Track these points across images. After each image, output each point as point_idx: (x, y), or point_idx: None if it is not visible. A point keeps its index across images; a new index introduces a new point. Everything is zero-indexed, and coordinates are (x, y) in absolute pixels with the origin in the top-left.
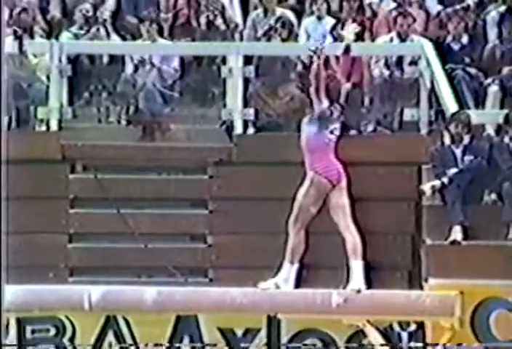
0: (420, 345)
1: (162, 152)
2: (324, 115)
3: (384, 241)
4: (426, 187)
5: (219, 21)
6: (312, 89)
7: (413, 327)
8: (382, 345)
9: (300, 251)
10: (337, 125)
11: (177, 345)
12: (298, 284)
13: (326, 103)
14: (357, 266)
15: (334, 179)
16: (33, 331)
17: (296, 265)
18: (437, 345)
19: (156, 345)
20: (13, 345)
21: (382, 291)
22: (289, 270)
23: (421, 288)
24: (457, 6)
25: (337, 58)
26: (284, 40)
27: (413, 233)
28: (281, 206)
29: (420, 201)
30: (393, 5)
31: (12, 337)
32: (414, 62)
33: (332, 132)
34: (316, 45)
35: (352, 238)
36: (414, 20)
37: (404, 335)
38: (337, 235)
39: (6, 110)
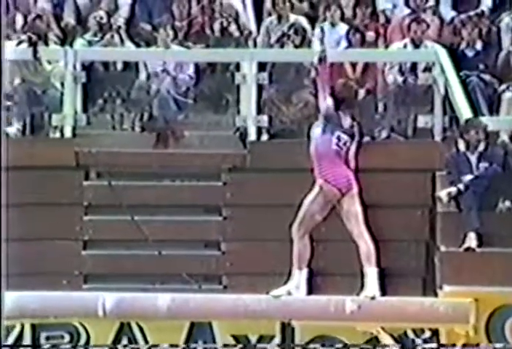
0: (434, 345)
1: (176, 159)
2: (329, 116)
3: (398, 247)
4: (442, 194)
5: (233, 28)
6: (318, 90)
7: (427, 334)
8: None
9: (306, 257)
10: (345, 133)
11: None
12: (310, 290)
13: (330, 102)
14: (371, 273)
15: (344, 188)
16: (47, 338)
17: (305, 271)
18: (453, 345)
19: (171, 345)
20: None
21: (397, 298)
22: (298, 277)
23: (435, 295)
24: (471, 13)
25: (353, 65)
26: (296, 46)
27: (427, 239)
28: (294, 213)
29: (434, 207)
30: (407, 11)
31: (26, 343)
32: (428, 69)
33: (339, 139)
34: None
35: (365, 245)
36: (428, 27)
37: (419, 342)
38: (351, 242)
39: (21, 117)
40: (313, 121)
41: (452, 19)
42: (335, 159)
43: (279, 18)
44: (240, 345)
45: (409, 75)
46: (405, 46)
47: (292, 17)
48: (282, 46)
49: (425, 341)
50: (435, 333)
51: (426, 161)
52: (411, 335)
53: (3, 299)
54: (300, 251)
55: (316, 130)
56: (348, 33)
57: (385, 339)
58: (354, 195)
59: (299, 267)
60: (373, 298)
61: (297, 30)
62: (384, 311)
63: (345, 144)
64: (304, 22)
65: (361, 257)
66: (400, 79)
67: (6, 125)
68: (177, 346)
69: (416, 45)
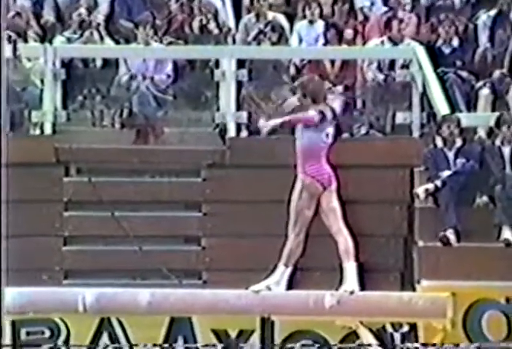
0: (417, 345)
1: (156, 155)
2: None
3: (377, 243)
4: (420, 190)
5: (212, 25)
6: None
7: (406, 328)
8: (374, 345)
9: (296, 255)
10: (332, 128)
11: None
12: (290, 287)
13: (312, 111)
14: (350, 268)
15: (326, 182)
16: (27, 333)
17: (290, 268)
18: (433, 345)
19: (154, 345)
20: (8, 346)
21: (375, 292)
22: (282, 273)
23: (413, 289)
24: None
25: (331, 62)
26: (273, 44)
27: (405, 235)
28: (274, 209)
29: (412, 203)
30: (385, 9)
31: (6, 339)
32: (405, 66)
33: (327, 136)
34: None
35: (344, 240)
36: (406, 24)
37: (397, 336)
38: (329, 237)
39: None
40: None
41: (429, 17)
42: (320, 154)
43: (257, 15)
44: (221, 345)
45: (387, 72)
46: (383, 43)
47: (270, 15)
48: (259, 44)
49: (403, 335)
50: (413, 327)
51: (404, 157)
52: (389, 329)
53: (3, 295)
54: (291, 249)
55: (306, 132)
56: (325, 30)
57: (364, 333)
58: (333, 190)
59: (285, 263)
60: (352, 293)
61: (274, 28)
62: (363, 306)
63: (330, 139)
64: (282, 19)
65: (340, 252)
66: (378, 76)
67: None
68: (157, 345)
69: (394, 42)
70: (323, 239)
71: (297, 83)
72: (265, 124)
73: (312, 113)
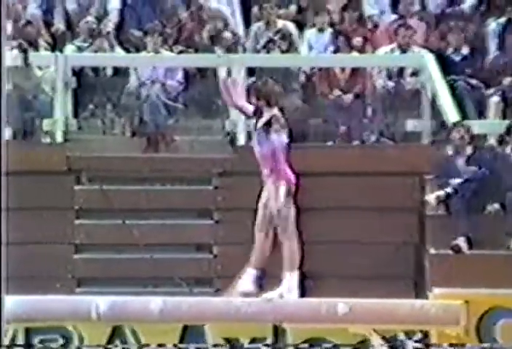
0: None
1: (167, 163)
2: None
3: (388, 250)
4: (431, 197)
5: (222, 33)
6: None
7: (419, 336)
8: None
9: (295, 259)
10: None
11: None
12: (303, 294)
13: (249, 111)
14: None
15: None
16: (41, 341)
17: (296, 273)
18: (441, 345)
19: (159, 345)
20: (7, 346)
21: (388, 300)
22: (289, 279)
23: (426, 297)
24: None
25: (341, 69)
26: (283, 52)
27: (417, 242)
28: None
29: (423, 211)
30: (394, 17)
31: (20, 347)
32: (415, 73)
33: (276, 139)
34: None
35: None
36: (415, 32)
37: (410, 344)
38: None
39: (13, 123)
40: (302, 125)
41: (438, 25)
42: (276, 159)
43: (267, 24)
44: (229, 345)
45: (397, 80)
46: (392, 51)
47: (280, 23)
48: (269, 52)
49: (416, 342)
50: (426, 335)
51: (415, 164)
52: (402, 337)
53: (3, 302)
54: (289, 254)
55: (256, 135)
56: (335, 37)
57: (377, 341)
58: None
59: (289, 269)
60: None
61: (283, 36)
62: (375, 313)
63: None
64: (291, 27)
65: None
66: (388, 84)
67: None
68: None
69: (403, 50)
70: (333, 246)
71: (252, 86)
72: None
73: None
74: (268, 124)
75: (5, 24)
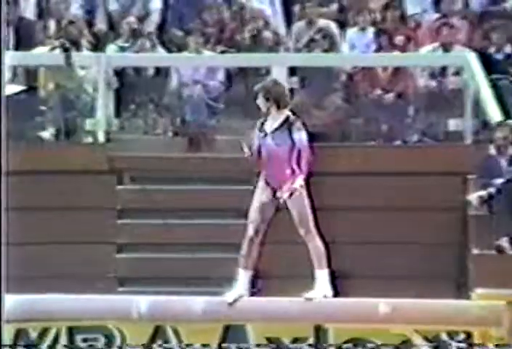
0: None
1: (208, 163)
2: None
3: (431, 251)
4: (473, 197)
5: (263, 33)
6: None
7: (461, 336)
8: None
9: (323, 258)
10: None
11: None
12: (336, 293)
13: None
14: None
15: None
16: (83, 340)
17: (326, 272)
18: (484, 345)
19: (203, 345)
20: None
21: (430, 300)
22: (321, 278)
23: (468, 297)
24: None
25: (384, 68)
26: (325, 51)
27: (460, 243)
28: (323, 216)
29: (466, 211)
30: (436, 16)
31: (63, 346)
32: (458, 73)
33: (299, 139)
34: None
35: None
36: (458, 31)
37: (453, 344)
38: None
39: (55, 122)
40: (343, 125)
41: (481, 23)
42: (273, 160)
43: (308, 23)
44: (273, 345)
45: (439, 79)
46: (435, 50)
47: (321, 22)
48: (310, 51)
49: (459, 343)
50: (469, 335)
51: (457, 164)
52: (445, 337)
53: (3, 301)
54: (315, 252)
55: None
56: (377, 36)
57: (419, 341)
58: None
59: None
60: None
61: (324, 35)
62: (417, 314)
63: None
64: (333, 26)
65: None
66: (431, 83)
67: (40, 130)
68: (210, 346)
69: (445, 49)
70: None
71: (259, 87)
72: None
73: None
74: (285, 125)
75: (5, 25)
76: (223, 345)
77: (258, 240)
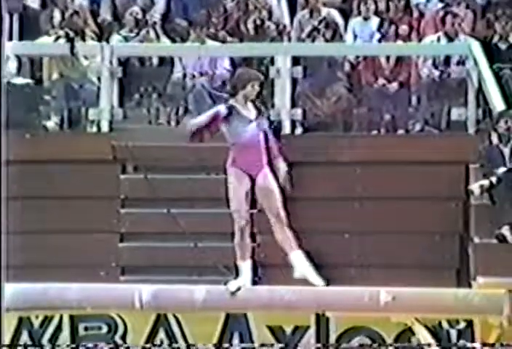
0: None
1: (211, 152)
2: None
3: (432, 240)
4: (474, 186)
5: (267, 22)
6: None
7: (462, 325)
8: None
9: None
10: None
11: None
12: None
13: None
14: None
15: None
16: (86, 329)
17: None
18: (493, 345)
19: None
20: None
21: (431, 289)
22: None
23: (469, 286)
24: None
25: (387, 58)
26: (328, 40)
27: (461, 232)
28: (326, 205)
29: (468, 200)
30: (440, 5)
31: (65, 334)
32: (461, 62)
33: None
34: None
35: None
36: (462, 20)
37: (453, 333)
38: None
39: (59, 111)
40: (347, 114)
41: (485, 13)
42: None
43: (311, 12)
44: (280, 345)
45: (442, 69)
46: (438, 39)
47: (324, 11)
48: (313, 40)
49: (460, 331)
50: (469, 323)
51: (459, 153)
52: (445, 326)
53: (3, 291)
54: (285, 237)
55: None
56: (380, 26)
57: (420, 330)
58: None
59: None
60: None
61: (328, 24)
62: (418, 302)
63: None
64: (336, 15)
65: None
66: (434, 72)
67: (44, 119)
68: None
69: (449, 38)
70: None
71: (257, 76)
72: (191, 123)
73: (219, 106)
74: (261, 112)
75: (4, 24)
76: (228, 344)
77: (249, 228)
